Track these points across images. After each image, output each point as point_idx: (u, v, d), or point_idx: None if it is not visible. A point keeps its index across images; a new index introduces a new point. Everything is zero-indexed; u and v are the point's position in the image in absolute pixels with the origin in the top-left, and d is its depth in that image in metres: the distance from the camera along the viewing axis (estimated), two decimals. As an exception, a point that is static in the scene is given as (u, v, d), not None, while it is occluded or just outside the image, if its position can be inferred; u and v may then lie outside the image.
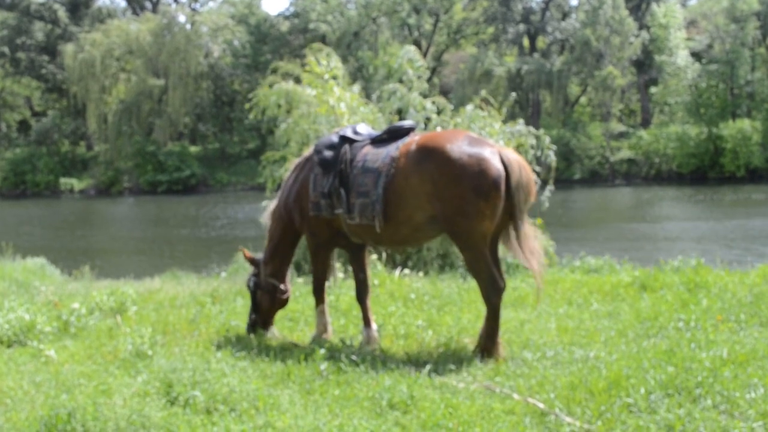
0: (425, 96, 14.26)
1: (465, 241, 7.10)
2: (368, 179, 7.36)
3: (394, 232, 7.40)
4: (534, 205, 7.29)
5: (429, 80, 14.35)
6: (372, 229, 7.42)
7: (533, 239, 7.26)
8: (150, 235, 34.09)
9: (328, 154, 7.76)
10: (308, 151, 8.38)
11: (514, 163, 6.98)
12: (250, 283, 8.41)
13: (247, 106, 14.70)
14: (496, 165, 6.90)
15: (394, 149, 7.40)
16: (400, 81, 14.48)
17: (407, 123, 7.84)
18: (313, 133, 13.18)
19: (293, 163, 8.70)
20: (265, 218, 8.65)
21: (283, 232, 8.34)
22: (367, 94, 14.77)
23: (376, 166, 7.37)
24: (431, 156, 7.05)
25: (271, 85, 14.66)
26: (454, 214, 6.96)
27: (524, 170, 7.03)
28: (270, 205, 8.67)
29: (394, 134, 7.71)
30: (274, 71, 14.81)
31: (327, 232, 7.95)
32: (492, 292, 7.05)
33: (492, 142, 7.29)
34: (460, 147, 6.98)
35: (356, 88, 14.52)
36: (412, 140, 7.40)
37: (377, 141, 7.75)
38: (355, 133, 7.92)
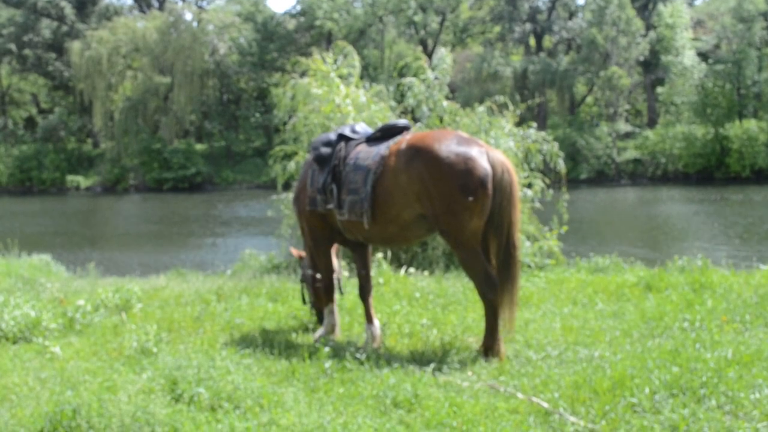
0: (448, 98, 14.29)
1: (455, 239, 7.14)
2: (359, 176, 7.50)
3: (383, 229, 7.50)
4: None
5: (436, 79, 14.36)
6: (361, 226, 7.56)
7: (517, 261, 7.25)
8: (155, 232, 34.11)
9: (324, 150, 7.96)
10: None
11: (497, 164, 7.04)
12: (300, 276, 8.97)
13: (277, 108, 14.73)
14: (483, 164, 6.97)
15: (384, 148, 7.52)
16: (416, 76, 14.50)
17: (401, 122, 7.93)
18: (323, 129, 13.22)
19: None
20: None
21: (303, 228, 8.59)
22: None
23: (366, 164, 7.51)
24: (420, 155, 7.12)
25: (288, 82, 14.69)
26: (443, 213, 7.02)
27: (507, 173, 7.07)
28: None
29: (387, 133, 7.82)
30: (293, 65, 14.82)
31: (323, 228, 8.10)
32: (487, 289, 7.07)
33: (481, 142, 7.31)
34: (448, 146, 7.05)
35: (367, 85, 14.54)
36: (402, 139, 7.49)
37: (371, 139, 7.90)
38: (353, 131, 8.11)
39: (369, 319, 7.89)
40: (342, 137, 8.02)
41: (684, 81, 54.71)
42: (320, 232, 8.15)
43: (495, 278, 7.10)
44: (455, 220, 7.00)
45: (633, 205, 41.41)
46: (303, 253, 8.98)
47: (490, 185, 6.97)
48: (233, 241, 28.34)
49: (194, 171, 58.12)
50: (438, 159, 7.01)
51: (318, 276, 8.55)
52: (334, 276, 8.51)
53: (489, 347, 7.08)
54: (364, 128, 8.25)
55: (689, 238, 26.74)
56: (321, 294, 8.53)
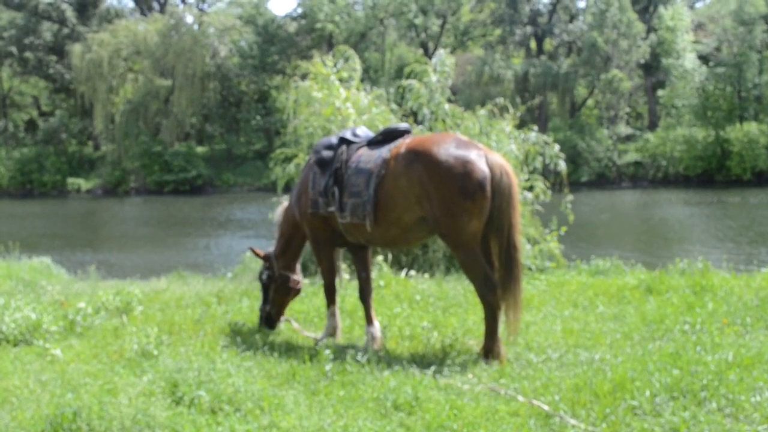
0: (450, 100, 14.28)
1: (455, 241, 7.21)
2: (360, 180, 7.59)
3: (385, 232, 7.58)
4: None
5: (438, 81, 14.33)
6: (363, 228, 7.63)
7: (519, 262, 7.28)
8: (156, 235, 34.12)
9: (325, 154, 8.06)
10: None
11: (496, 166, 7.12)
12: (263, 276, 8.78)
13: (281, 112, 14.83)
14: (481, 167, 7.06)
15: (386, 151, 7.60)
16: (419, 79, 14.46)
17: (402, 126, 8.06)
18: (324, 132, 13.23)
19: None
20: (277, 215, 8.97)
21: (294, 229, 8.64)
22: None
23: (368, 167, 7.59)
24: (419, 158, 7.22)
25: (290, 85, 14.76)
26: (443, 215, 7.09)
27: (506, 175, 7.14)
28: (284, 202, 8.94)
29: (388, 136, 7.92)
30: (294, 69, 14.90)
31: (324, 230, 8.16)
32: (487, 291, 7.12)
33: (480, 145, 7.41)
34: (447, 149, 7.15)
35: (368, 88, 14.56)
36: (402, 143, 7.58)
37: (372, 143, 7.99)
38: (354, 135, 8.20)
39: (369, 320, 7.92)
40: (343, 141, 8.11)
41: (685, 84, 54.74)
42: (322, 235, 8.21)
43: (495, 280, 7.15)
44: (454, 222, 7.06)
45: (634, 208, 41.42)
46: (263, 252, 8.96)
47: (488, 187, 7.03)
48: (234, 244, 28.34)
49: (195, 174, 58.11)
50: (437, 162, 7.10)
51: (294, 277, 8.70)
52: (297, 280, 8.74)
53: (489, 349, 7.11)
54: (365, 132, 8.35)
55: (690, 240, 26.74)
56: (290, 294, 8.73)
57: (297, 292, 8.83)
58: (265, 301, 8.71)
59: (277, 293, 8.66)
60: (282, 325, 8.73)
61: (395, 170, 7.37)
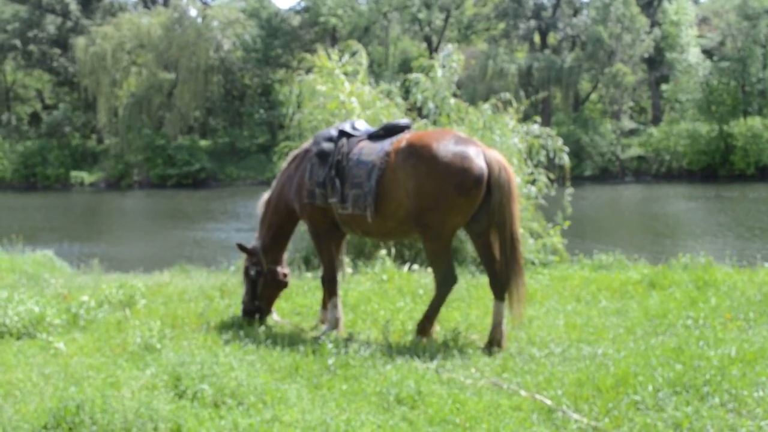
0: (455, 95, 14.25)
1: (434, 233, 7.43)
2: (362, 171, 7.74)
3: (382, 224, 7.77)
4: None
5: (443, 76, 14.28)
6: (362, 220, 7.80)
7: (520, 256, 7.45)
8: (159, 228, 34.13)
9: (326, 146, 8.17)
10: (306, 144, 8.79)
11: (494, 163, 7.31)
12: (251, 272, 8.73)
13: (285, 105, 14.86)
14: (479, 163, 7.26)
15: (388, 144, 7.78)
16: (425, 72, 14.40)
17: (403, 121, 8.29)
18: (328, 126, 13.19)
19: (291, 155, 8.97)
20: (259, 208, 8.98)
21: (285, 218, 8.71)
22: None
23: (370, 159, 7.76)
24: (418, 153, 7.42)
25: (294, 78, 14.78)
26: (429, 208, 7.30)
27: (504, 171, 7.32)
28: (264, 195, 8.94)
29: (390, 131, 8.09)
30: (299, 62, 14.88)
31: (324, 222, 8.28)
32: (446, 283, 7.50)
33: (478, 142, 7.62)
34: (446, 145, 7.36)
35: (373, 82, 14.56)
36: (404, 137, 7.77)
37: (373, 137, 8.14)
38: (353, 128, 8.35)
39: (324, 305, 8.43)
40: (343, 133, 8.23)
41: (689, 78, 54.54)
42: (322, 227, 8.32)
43: (456, 275, 7.57)
44: (442, 216, 7.30)
45: (637, 203, 41.36)
46: (250, 247, 8.88)
47: (484, 184, 7.23)
48: (236, 237, 28.33)
49: (198, 167, 58.01)
50: (436, 157, 7.29)
51: (283, 271, 8.76)
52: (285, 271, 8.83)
53: (423, 329, 7.55)
54: (364, 125, 8.50)
55: (693, 235, 26.70)
56: (278, 289, 8.79)
57: (285, 285, 8.84)
58: (254, 296, 8.67)
59: (266, 288, 8.66)
60: (272, 319, 8.76)
61: (395, 163, 7.55)
